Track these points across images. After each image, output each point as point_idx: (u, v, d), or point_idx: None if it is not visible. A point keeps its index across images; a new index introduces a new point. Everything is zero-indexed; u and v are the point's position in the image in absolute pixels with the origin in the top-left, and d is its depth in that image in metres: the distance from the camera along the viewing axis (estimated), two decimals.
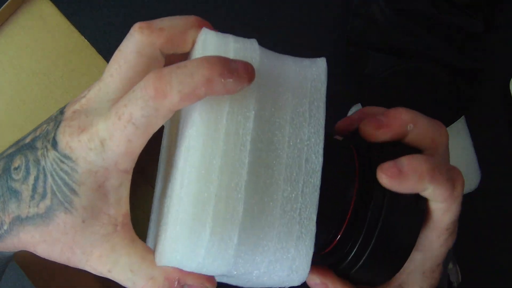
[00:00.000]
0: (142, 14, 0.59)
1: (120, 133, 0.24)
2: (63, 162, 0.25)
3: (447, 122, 0.52)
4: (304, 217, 0.24)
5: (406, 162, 0.26)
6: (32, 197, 0.25)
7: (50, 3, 0.44)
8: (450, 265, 0.47)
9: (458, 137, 0.56)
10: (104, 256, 0.26)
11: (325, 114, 0.26)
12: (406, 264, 0.28)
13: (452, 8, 0.53)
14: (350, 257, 0.27)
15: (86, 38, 0.58)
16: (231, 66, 0.23)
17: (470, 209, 0.57)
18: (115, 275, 0.26)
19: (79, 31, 0.58)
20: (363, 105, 0.53)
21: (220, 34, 0.26)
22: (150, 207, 0.59)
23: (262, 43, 0.60)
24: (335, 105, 0.58)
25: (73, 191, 0.25)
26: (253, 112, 0.24)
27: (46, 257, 0.27)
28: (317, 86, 0.27)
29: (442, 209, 0.28)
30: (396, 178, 0.25)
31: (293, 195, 0.24)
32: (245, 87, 0.24)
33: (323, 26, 0.58)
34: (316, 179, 0.24)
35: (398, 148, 0.27)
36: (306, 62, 0.28)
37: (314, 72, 0.27)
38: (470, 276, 0.57)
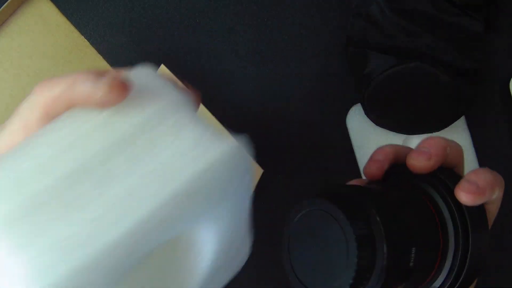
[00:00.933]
0: (142, 14, 0.59)
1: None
2: None
3: (447, 122, 0.52)
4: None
5: (475, 177, 0.28)
6: None
7: (50, 3, 0.44)
8: None
9: (458, 137, 0.56)
10: None
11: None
12: None
13: (452, 8, 0.53)
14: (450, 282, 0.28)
15: (86, 38, 0.58)
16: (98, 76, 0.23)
17: None
18: None
19: (79, 31, 0.58)
20: (363, 105, 0.53)
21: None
22: None
23: (262, 43, 0.60)
24: (335, 105, 0.58)
25: None
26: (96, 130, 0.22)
27: None
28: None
29: (495, 205, 0.31)
30: (476, 193, 0.28)
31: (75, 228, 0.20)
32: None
33: (323, 26, 0.58)
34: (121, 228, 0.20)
35: (446, 172, 0.30)
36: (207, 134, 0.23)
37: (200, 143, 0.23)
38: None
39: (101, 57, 0.46)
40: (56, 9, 0.44)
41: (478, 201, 0.28)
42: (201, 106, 0.45)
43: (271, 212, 0.57)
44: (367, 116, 0.53)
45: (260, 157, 0.44)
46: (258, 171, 0.44)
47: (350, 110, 0.57)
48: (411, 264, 0.26)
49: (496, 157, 0.58)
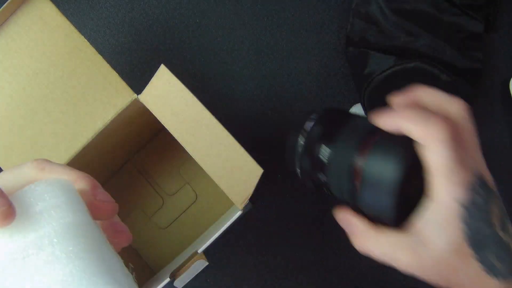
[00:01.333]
0: (142, 14, 0.59)
1: None
2: None
3: None
4: None
5: (391, 108, 0.34)
6: None
7: (50, 3, 0.44)
8: None
9: None
10: None
11: None
12: (421, 212, 0.34)
13: (452, 8, 0.53)
14: (354, 193, 0.34)
15: (86, 38, 0.58)
16: None
17: None
18: None
19: (79, 31, 0.58)
20: (363, 105, 0.53)
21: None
22: (149, 206, 0.59)
23: (262, 43, 0.61)
24: (335, 105, 0.58)
25: None
26: None
27: None
28: None
29: (429, 150, 0.33)
30: (379, 116, 0.33)
31: None
32: None
33: (323, 26, 0.58)
34: None
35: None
36: None
37: None
38: None
39: (101, 57, 0.46)
40: (56, 9, 0.44)
41: (380, 122, 0.34)
42: (201, 106, 0.45)
43: (271, 212, 0.57)
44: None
45: (260, 157, 0.44)
46: (258, 171, 0.44)
47: (350, 110, 0.57)
48: (322, 158, 0.35)
49: (496, 157, 0.58)
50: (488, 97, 0.58)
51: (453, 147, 0.34)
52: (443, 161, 0.34)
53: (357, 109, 0.57)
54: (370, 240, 0.36)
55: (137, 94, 0.48)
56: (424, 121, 0.34)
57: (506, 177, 0.57)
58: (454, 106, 0.37)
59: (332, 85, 0.58)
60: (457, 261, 0.35)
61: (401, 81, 0.50)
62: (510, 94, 0.56)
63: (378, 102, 0.51)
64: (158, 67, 0.58)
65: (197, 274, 0.56)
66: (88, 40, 0.58)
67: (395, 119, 0.34)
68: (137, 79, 0.58)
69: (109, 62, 0.58)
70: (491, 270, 0.36)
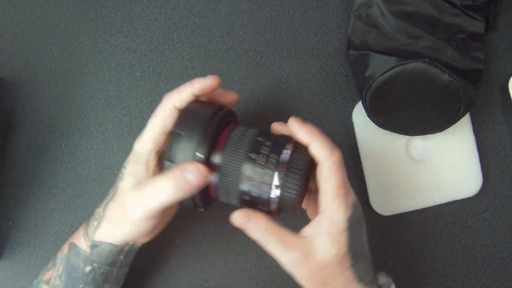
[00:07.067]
0: (141, 15, 0.58)
1: None
2: None
3: (449, 123, 0.52)
4: None
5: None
6: None
7: None
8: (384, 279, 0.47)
9: (463, 138, 0.56)
10: None
11: None
12: (315, 224, 0.41)
13: (452, 8, 0.53)
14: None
15: (85, 38, 0.58)
16: None
17: (472, 213, 0.57)
18: None
19: (79, 31, 0.58)
20: (365, 108, 0.52)
21: None
22: None
23: (261, 44, 0.60)
24: (337, 107, 0.58)
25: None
26: None
27: None
28: None
29: (326, 171, 0.41)
30: (299, 123, 0.42)
31: None
32: None
33: (324, 28, 0.58)
34: None
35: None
36: None
37: None
38: (470, 279, 0.57)
39: None
40: None
41: (297, 129, 0.42)
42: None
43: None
44: (369, 118, 0.53)
45: None
46: None
47: (357, 104, 0.57)
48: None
49: (496, 157, 0.58)
50: (488, 97, 0.58)
51: (343, 173, 0.41)
52: (339, 183, 0.40)
53: (358, 108, 0.57)
54: (270, 232, 0.41)
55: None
56: (331, 146, 0.41)
57: (506, 176, 0.58)
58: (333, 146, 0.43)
59: (331, 85, 0.58)
60: (339, 268, 0.41)
61: (402, 82, 0.50)
62: (510, 94, 0.56)
63: (380, 103, 0.51)
64: (158, 67, 0.58)
65: (196, 274, 0.56)
66: (88, 40, 0.58)
67: (309, 133, 0.41)
68: (137, 79, 0.58)
69: (109, 62, 0.58)
70: (361, 278, 0.42)
